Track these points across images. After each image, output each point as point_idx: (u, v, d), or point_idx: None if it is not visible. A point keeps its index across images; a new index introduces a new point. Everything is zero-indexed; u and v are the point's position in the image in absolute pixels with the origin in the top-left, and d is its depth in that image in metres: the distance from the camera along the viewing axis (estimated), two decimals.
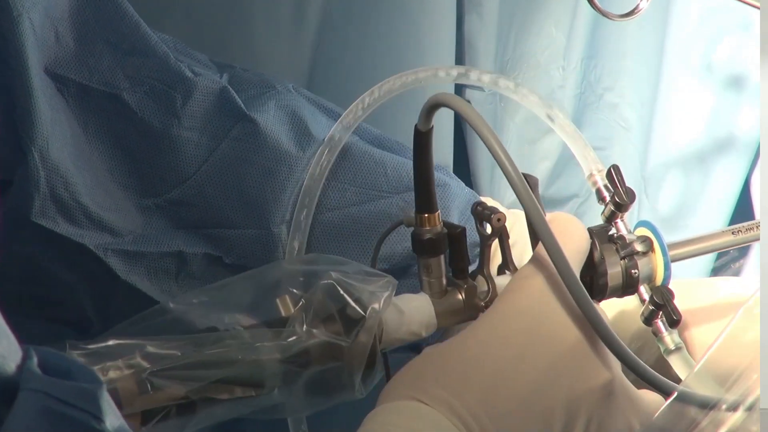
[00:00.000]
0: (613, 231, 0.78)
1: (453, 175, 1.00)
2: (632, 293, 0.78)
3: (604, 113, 1.31)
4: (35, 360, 0.51)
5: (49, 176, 0.81)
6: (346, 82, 1.11)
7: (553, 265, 0.67)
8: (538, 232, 0.66)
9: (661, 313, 0.76)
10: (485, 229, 0.74)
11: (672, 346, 0.78)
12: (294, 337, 0.66)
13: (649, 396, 0.73)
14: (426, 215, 0.72)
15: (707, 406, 0.66)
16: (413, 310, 0.71)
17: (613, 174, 0.79)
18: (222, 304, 0.69)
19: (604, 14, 0.86)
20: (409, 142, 0.95)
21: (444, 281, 0.74)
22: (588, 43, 1.27)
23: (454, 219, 0.92)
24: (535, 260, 0.72)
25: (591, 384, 0.68)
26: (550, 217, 0.74)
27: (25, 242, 0.83)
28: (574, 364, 0.68)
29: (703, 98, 1.32)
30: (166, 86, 0.84)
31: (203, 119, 0.85)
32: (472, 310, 0.75)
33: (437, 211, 0.72)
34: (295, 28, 1.06)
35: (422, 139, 0.67)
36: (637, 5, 0.87)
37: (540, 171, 1.31)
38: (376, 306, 0.68)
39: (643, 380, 0.68)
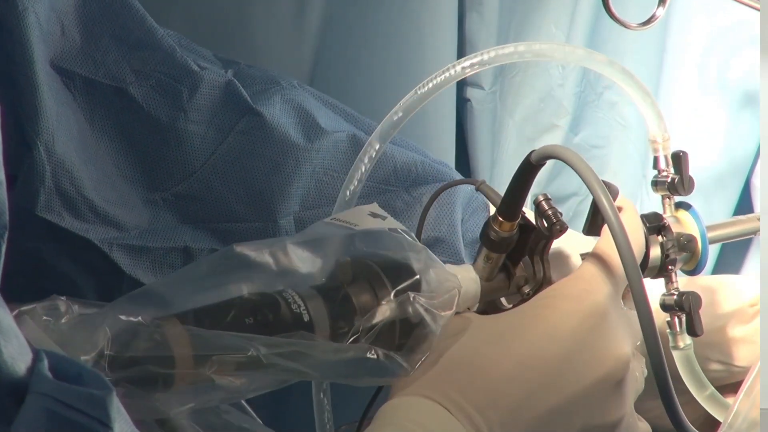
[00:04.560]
0: (663, 221, 0.78)
1: (456, 171, 1.00)
2: (662, 277, 0.79)
3: (604, 111, 1.31)
4: (45, 363, 0.51)
5: (55, 170, 0.80)
6: (348, 81, 1.11)
7: (603, 286, 0.69)
8: (622, 257, 0.66)
9: (681, 312, 0.77)
10: (543, 223, 0.74)
11: (681, 345, 0.78)
12: (357, 353, 0.66)
13: (643, 426, 0.74)
14: (503, 220, 0.73)
15: None
16: (462, 292, 0.71)
17: (681, 160, 0.79)
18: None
19: (623, 24, 0.86)
20: (414, 139, 0.96)
21: (498, 268, 0.74)
22: (588, 42, 1.27)
23: (458, 213, 0.92)
24: (586, 279, 0.71)
25: (606, 419, 0.68)
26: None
27: (29, 236, 0.83)
28: (597, 398, 0.68)
29: (704, 98, 1.33)
30: (173, 80, 0.84)
31: (210, 112, 0.85)
32: (513, 292, 0.76)
33: (517, 220, 0.72)
34: (296, 26, 1.06)
35: (528, 169, 0.71)
36: (654, 14, 0.87)
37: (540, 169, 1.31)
38: (439, 330, 0.68)
39: (674, 424, 0.69)
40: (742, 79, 1.30)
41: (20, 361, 0.50)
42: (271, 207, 0.86)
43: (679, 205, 0.81)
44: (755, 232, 0.83)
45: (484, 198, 0.97)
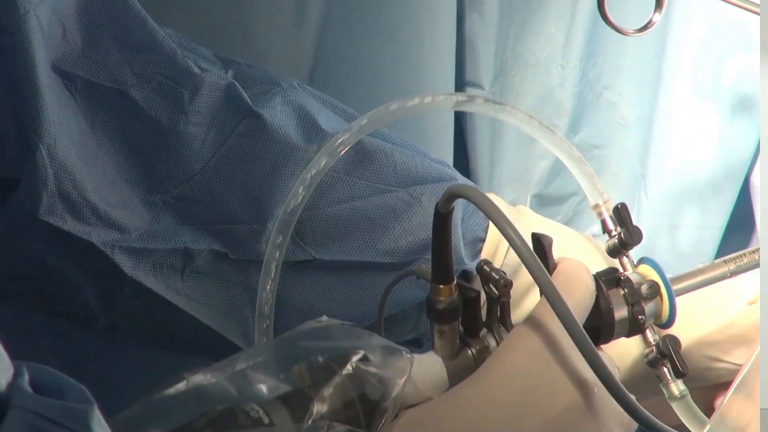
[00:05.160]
0: (619, 274, 0.78)
1: (456, 171, 1.00)
2: (636, 334, 0.78)
3: (604, 112, 1.31)
4: (26, 377, 0.51)
5: (57, 174, 0.81)
6: (347, 81, 1.12)
7: (549, 325, 0.68)
8: (542, 291, 0.66)
9: (666, 360, 0.77)
10: (492, 289, 0.74)
11: (677, 394, 0.77)
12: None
13: None
14: (441, 286, 0.72)
15: None
16: (426, 377, 0.71)
17: (621, 213, 0.79)
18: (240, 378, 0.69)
19: (620, 31, 0.86)
20: (413, 139, 0.96)
21: (457, 342, 0.74)
22: (587, 42, 1.28)
23: (458, 213, 0.92)
24: (532, 320, 0.71)
25: None
26: (558, 266, 0.74)
27: (31, 239, 0.84)
28: (568, 423, 0.68)
29: (701, 100, 1.33)
30: (174, 82, 0.84)
31: (210, 115, 0.85)
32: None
33: (453, 281, 0.72)
34: (296, 26, 1.06)
35: (441, 220, 0.70)
36: (650, 19, 0.88)
37: (539, 170, 1.31)
38: (396, 395, 0.68)
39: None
40: (741, 81, 1.31)
41: (1, 377, 0.50)
42: (270, 209, 0.86)
43: (638, 262, 0.81)
44: (724, 277, 0.82)
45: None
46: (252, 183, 0.86)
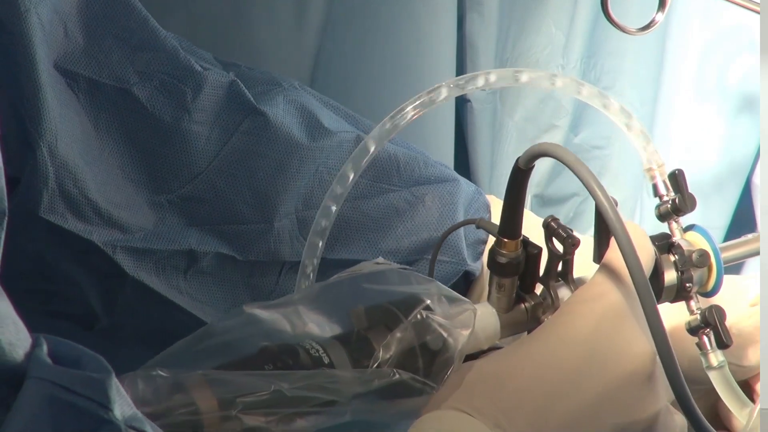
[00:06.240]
0: (671, 240, 0.78)
1: (456, 173, 1.00)
2: (681, 300, 0.78)
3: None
4: (45, 348, 0.51)
5: (58, 172, 0.80)
6: (348, 81, 1.11)
7: (614, 290, 0.69)
8: (622, 249, 0.66)
9: (708, 329, 0.77)
10: (555, 245, 0.74)
11: (715, 363, 0.77)
12: (381, 379, 0.66)
13: (679, 419, 0.73)
14: (507, 240, 0.73)
15: None
16: (480, 327, 0.72)
17: (678, 178, 0.79)
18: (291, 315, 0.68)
19: (622, 29, 0.86)
20: (413, 140, 0.96)
21: (513, 297, 0.75)
22: (587, 42, 1.28)
23: (460, 214, 0.92)
24: (599, 284, 0.72)
25: (640, 416, 0.69)
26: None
27: (32, 238, 0.83)
28: (626, 395, 0.68)
29: (703, 100, 1.33)
30: (176, 80, 0.84)
31: (213, 113, 0.85)
32: (533, 323, 0.76)
33: (519, 237, 0.73)
34: (296, 27, 1.06)
35: (520, 176, 0.71)
36: (653, 18, 0.88)
37: (540, 169, 1.31)
38: (461, 348, 0.68)
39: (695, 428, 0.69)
40: (741, 82, 1.31)
41: (18, 347, 0.50)
42: (276, 207, 0.86)
43: (687, 228, 0.80)
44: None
45: (486, 199, 0.97)
46: (257, 181, 0.86)
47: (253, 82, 0.89)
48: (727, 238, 1.34)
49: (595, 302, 0.70)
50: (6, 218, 0.51)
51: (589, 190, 0.67)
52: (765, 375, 0.77)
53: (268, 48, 1.05)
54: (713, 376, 0.78)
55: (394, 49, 1.13)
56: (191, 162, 0.85)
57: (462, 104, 1.24)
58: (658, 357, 0.68)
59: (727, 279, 0.98)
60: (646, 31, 0.89)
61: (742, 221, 1.34)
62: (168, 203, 0.85)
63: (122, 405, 0.50)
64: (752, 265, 1.33)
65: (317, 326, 0.68)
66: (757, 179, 1.32)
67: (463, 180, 0.95)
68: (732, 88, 1.31)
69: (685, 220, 0.80)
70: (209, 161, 0.85)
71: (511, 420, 0.65)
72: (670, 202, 0.79)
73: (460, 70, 1.22)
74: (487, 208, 0.97)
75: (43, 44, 0.79)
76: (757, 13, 0.86)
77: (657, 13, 0.88)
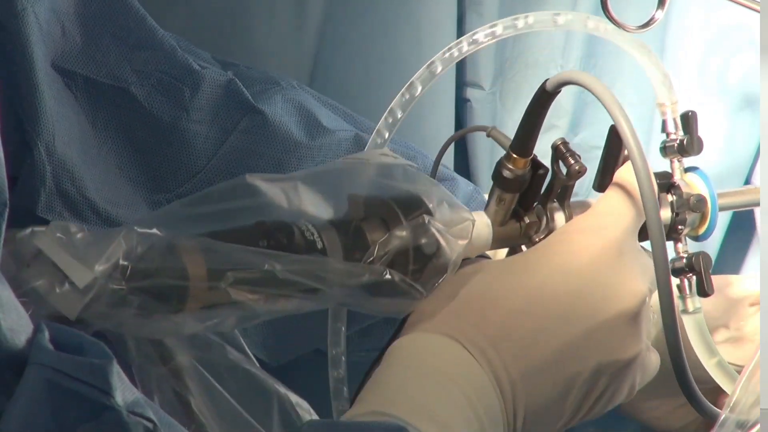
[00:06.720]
0: (672, 180, 0.78)
1: (454, 173, 1.00)
2: (669, 241, 0.77)
3: (604, 111, 1.30)
4: (46, 335, 0.51)
5: (56, 171, 0.80)
6: (347, 81, 1.11)
7: (614, 225, 0.70)
8: (638, 175, 0.67)
9: (691, 274, 0.76)
10: (560, 168, 0.74)
11: (691, 309, 0.77)
12: (371, 275, 0.65)
13: (654, 357, 0.73)
14: (516, 156, 0.72)
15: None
16: (474, 237, 0.71)
17: (690, 119, 0.79)
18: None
19: (622, 27, 0.86)
20: (413, 139, 0.96)
21: (510, 212, 0.74)
22: (586, 42, 1.27)
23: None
24: (602, 214, 0.72)
25: (620, 356, 0.68)
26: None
27: None
28: (611, 334, 0.68)
29: (704, 98, 1.33)
30: (174, 79, 0.84)
31: (212, 112, 0.85)
32: (524, 241, 0.75)
33: (530, 156, 0.72)
34: (295, 27, 1.06)
35: (544, 97, 0.71)
36: (653, 16, 0.88)
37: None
38: (456, 258, 0.68)
39: (689, 400, 0.69)
40: (742, 80, 1.30)
41: (20, 333, 0.50)
42: None
43: (687, 170, 0.80)
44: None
45: (484, 198, 0.97)
46: None
47: (252, 81, 0.89)
48: (726, 237, 1.34)
49: (595, 235, 0.70)
50: (7, 209, 0.51)
51: (611, 115, 0.68)
52: (765, 375, 0.77)
53: (268, 47, 1.05)
54: (687, 321, 0.78)
55: (393, 49, 1.13)
56: (190, 161, 0.85)
57: (462, 104, 1.24)
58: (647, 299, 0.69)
59: (727, 279, 0.98)
60: (645, 29, 0.89)
61: (742, 222, 1.33)
62: (166, 202, 0.85)
63: (124, 391, 0.51)
64: (752, 265, 1.33)
65: (314, 206, 0.67)
66: (756, 179, 1.31)
67: (461, 179, 0.95)
68: (732, 88, 1.31)
69: None
70: (207, 160, 0.85)
71: (498, 350, 0.65)
72: (678, 141, 0.78)
73: (460, 69, 1.22)
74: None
75: (41, 43, 0.79)
76: (757, 11, 0.86)
77: (656, 11, 0.88)
